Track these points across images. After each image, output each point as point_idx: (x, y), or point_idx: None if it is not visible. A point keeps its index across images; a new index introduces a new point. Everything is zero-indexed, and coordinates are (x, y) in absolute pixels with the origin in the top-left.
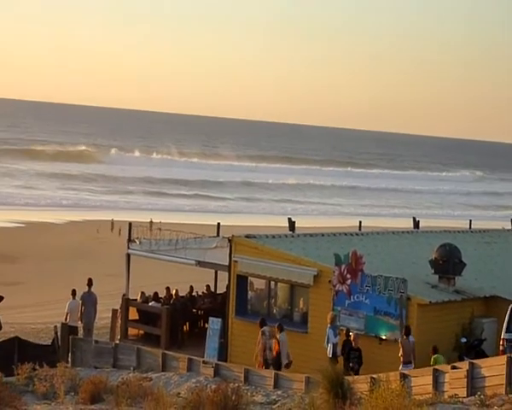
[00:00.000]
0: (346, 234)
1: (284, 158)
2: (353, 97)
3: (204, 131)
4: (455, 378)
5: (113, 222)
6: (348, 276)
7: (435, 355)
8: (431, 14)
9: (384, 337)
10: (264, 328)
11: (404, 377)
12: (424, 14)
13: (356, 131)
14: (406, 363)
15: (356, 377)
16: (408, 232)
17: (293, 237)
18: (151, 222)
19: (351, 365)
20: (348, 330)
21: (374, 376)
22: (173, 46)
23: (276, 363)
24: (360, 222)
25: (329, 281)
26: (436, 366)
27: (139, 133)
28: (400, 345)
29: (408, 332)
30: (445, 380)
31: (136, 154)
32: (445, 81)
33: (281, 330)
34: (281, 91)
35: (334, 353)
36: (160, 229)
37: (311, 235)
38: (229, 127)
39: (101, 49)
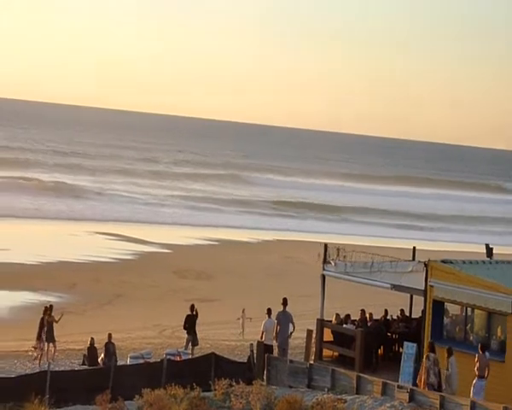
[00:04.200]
0: None
1: (451, 182)
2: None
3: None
4: None
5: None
6: None
7: None
8: None
9: None
10: (430, 353)
11: None
12: None
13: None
14: (481, 377)
15: None
16: None
17: (490, 263)
18: (338, 249)
19: None
20: None
21: None
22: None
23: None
24: None
25: None
26: None
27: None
28: (477, 359)
29: (484, 348)
30: None
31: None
32: None
33: (449, 354)
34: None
35: None
36: (341, 254)
37: (508, 262)
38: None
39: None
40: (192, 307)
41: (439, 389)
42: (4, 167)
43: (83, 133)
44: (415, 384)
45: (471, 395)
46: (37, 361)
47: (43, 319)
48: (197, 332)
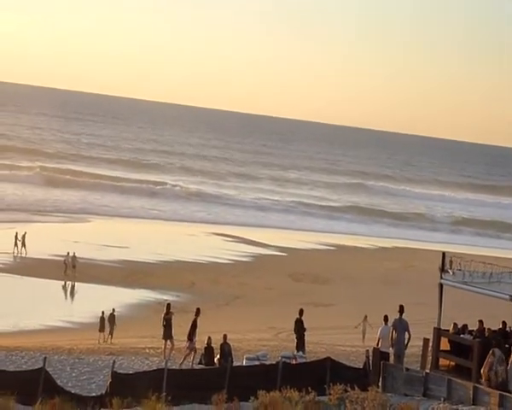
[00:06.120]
0: None
1: None
2: None
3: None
4: None
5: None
6: None
7: None
8: None
9: None
10: (496, 350)
11: None
12: None
13: None
14: None
15: None
16: None
17: None
18: (451, 261)
19: None
20: None
21: None
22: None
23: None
24: None
25: None
26: None
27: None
28: None
29: None
30: None
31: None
32: None
33: None
34: None
35: None
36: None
37: None
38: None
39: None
40: (300, 311)
41: (499, 387)
42: (122, 168)
43: (188, 134)
44: None
45: None
46: (185, 360)
47: (195, 320)
48: (304, 337)
